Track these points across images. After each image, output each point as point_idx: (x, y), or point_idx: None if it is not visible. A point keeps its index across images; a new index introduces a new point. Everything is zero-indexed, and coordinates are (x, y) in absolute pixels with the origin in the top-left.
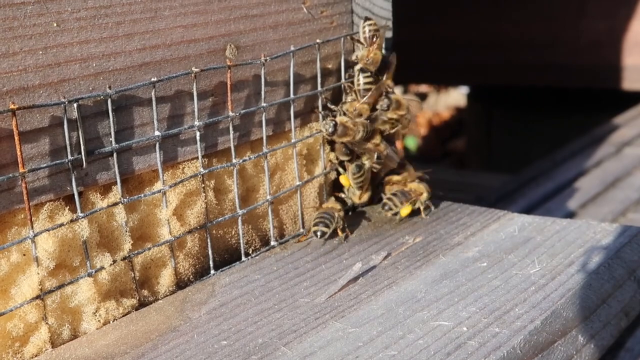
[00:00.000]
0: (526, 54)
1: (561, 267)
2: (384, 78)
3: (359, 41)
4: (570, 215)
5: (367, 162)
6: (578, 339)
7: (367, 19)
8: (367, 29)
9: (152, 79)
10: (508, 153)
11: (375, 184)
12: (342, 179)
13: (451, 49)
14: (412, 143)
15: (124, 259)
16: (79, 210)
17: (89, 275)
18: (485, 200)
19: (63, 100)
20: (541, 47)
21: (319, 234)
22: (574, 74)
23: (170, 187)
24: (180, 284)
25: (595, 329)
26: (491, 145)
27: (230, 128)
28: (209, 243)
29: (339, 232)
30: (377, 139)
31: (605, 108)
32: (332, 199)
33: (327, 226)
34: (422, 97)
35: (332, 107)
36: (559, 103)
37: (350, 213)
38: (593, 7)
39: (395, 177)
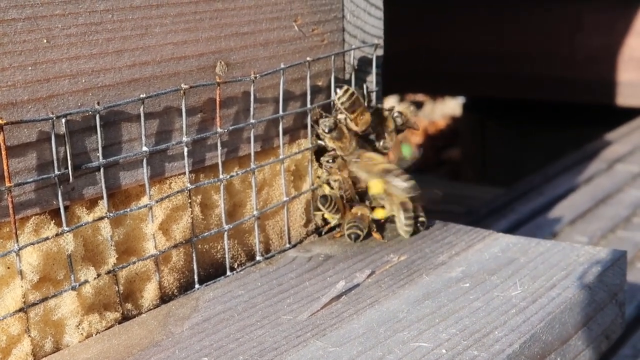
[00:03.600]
0: (521, 67)
1: (543, 289)
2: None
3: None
4: (559, 231)
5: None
6: None
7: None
8: (343, 99)
9: (141, 95)
10: (502, 164)
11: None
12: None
13: (447, 60)
14: (407, 151)
15: (108, 272)
16: (64, 225)
17: (73, 288)
18: (476, 214)
19: (51, 115)
20: (536, 60)
21: (353, 237)
22: (569, 88)
23: (157, 202)
24: (165, 298)
25: (574, 353)
26: (485, 156)
27: (219, 144)
28: (194, 257)
29: (374, 234)
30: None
31: (599, 123)
32: (362, 205)
33: (360, 230)
34: (419, 105)
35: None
36: (553, 116)
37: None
38: (589, 22)
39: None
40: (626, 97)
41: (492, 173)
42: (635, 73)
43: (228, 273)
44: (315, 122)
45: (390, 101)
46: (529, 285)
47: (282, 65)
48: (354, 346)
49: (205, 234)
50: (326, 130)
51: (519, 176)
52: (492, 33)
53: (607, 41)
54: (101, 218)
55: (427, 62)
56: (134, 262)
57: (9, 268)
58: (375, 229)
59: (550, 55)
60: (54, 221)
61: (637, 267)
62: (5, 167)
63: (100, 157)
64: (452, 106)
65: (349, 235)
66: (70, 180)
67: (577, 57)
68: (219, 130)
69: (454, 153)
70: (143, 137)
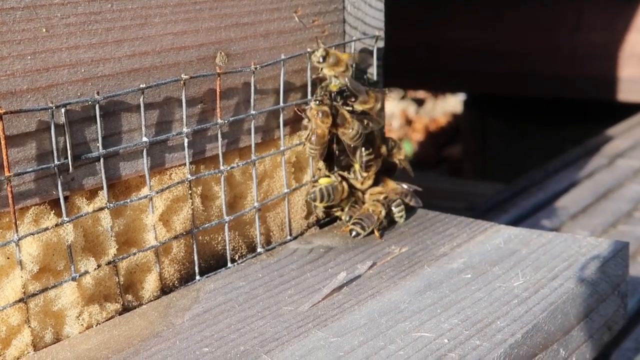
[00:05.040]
0: (522, 64)
1: (545, 280)
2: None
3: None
4: (561, 226)
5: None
6: (559, 352)
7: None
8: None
9: (141, 86)
10: (503, 161)
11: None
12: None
13: (447, 56)
14: (407, 148)
15: (108, 263)
16: (64, 215)
17: (73, 279)
18: (477, 209)
19: (51, 105)
20: (537, 57)
21: (353, 233)
22: (570, 84)
23: (157, 192)
24: (165, 290)
25: (577, 343)
26: (486, 153)
27: (219, 135)
28: (194, 249)
29: (376, 232)
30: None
31: (600, 119)
32: (376, 200)
33: (363, 228)
34: (420, 102)
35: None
36: (554, 113)
37: (338, 221)
38: (589, 19)
39: (377, 189)
40: (627, 93)
41: (493, 170)
42: (635, 69)
43: (229, 264)
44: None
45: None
46: (531, 276)
47: (283, 56)
48: (355, 336)
49: (206, 225)
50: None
51: (519, 173)
52: (492, 30)
53: (607, 37)
54: (101, 208)
55: (428, 59)
56: (135, 253)
57: (8, 258)
58: (378, 228)
59: (550, 52)
60: (53, 211)
61: (639, 261)
62: (4, 157)
63: (100, 148)
64: (452, 103)
65: (350, 231)
66: (70, 170)
67: (578, 53)
68: (219, 121)
69: (454, 150)
70: (143, 128)
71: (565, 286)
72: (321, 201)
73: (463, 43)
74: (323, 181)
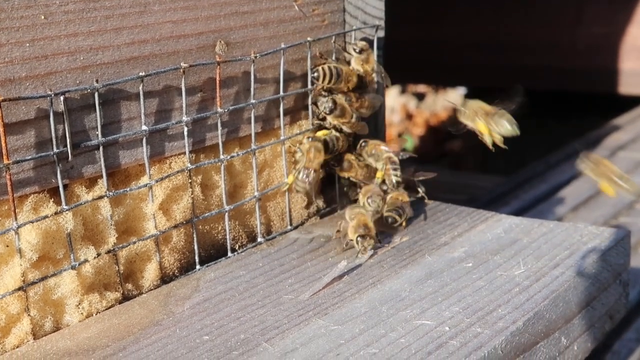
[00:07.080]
0: (523, 57)
1: (546, 269)
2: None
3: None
4: (562, 218)
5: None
6: (561, 340)
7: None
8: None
9: (140, 74)
10: (504, 155)
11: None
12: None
13: (448, 50)
14: (409, 143)
15: (108, 252)
16: (63, 203)
17: (73, 267)
18: (478, 201)
19: (50, 92)
20: (538, 50)
21: (390, 219)
22: (571, 78)
23: (157, 181)
24: (165, 279)
25: (578, 332)
26: (487, 147)
27: (219, 124)
28: (194, 238)
29: (403, 223)
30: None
31: (601, 112)
32: (400, 190)
33: (399, 215)
34: (420, 97)
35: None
36: (555, 107)
37: (339, 211)
38: (590, 12)
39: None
40: (628, 86)
41: (494, 164)
42: (636, 62)
43: (229, 254)
44: (314, 103)
45: (392, 92)
46: (532, 265)
47: (283, 45)
48: (356, 324)
49: (206, 214)
50: (327, 112)
51: (520, 166)
52: (492, 23)
53: (608, 30)
54: (101, 197)
55: (428, 53)
56: (134, 242)
57: (7, 246)
58: (407, 218)
59: (551, 45)
60: (53, 199)
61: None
62: (3, 145)
63: (100, 136)
64: (453, 98)
65: (386, 218)
66: (69, 158)
67: (579, 46)
68: (219, 110)
69: (455, 144)
70: (142, 116)
71: (567, 274)
72: (324, 80)
73: (463, 37)
74: (320, 133)
